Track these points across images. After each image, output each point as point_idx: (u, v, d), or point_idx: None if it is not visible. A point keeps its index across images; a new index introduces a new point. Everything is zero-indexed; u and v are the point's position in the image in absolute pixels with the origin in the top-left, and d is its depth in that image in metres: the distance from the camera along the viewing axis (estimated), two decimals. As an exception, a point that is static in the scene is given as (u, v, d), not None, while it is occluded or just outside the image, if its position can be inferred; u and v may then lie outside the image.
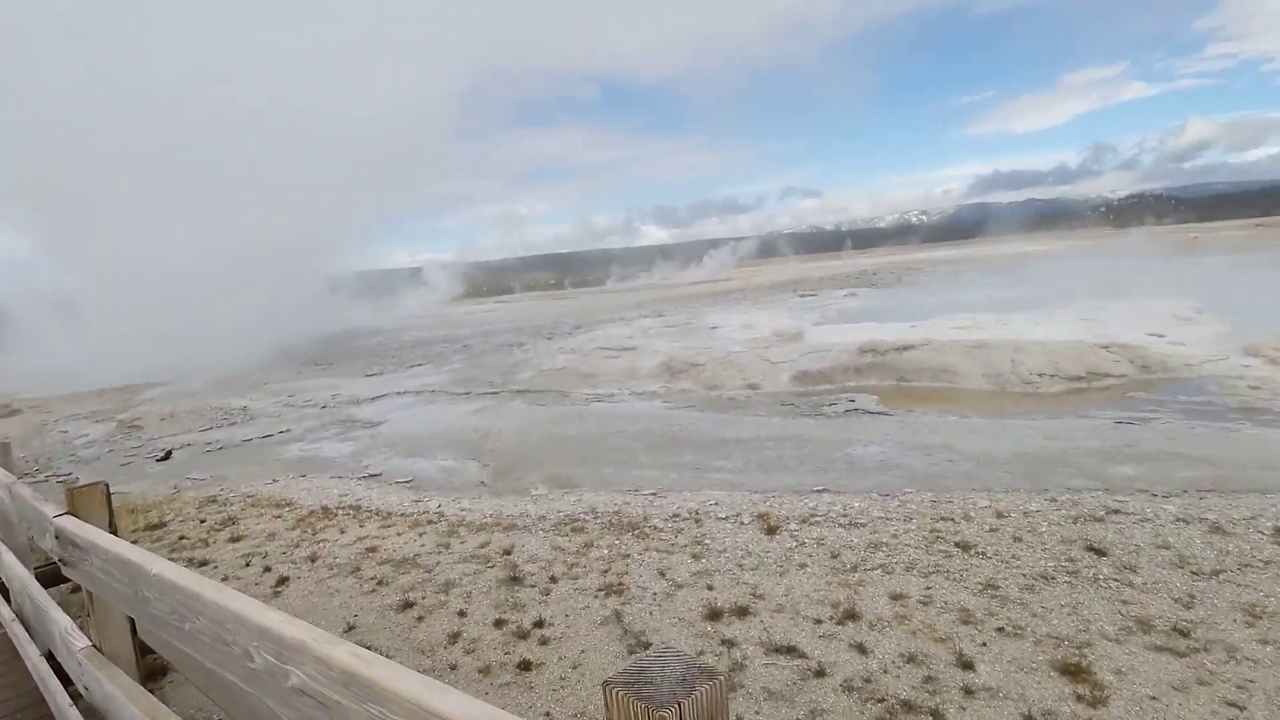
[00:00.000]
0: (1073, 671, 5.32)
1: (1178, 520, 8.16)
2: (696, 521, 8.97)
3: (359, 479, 12.87)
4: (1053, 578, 7.00)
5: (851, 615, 6.43)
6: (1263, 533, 7.70)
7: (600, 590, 7.25)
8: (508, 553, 8.42)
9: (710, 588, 7.15)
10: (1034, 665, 5.47)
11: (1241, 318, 21.29)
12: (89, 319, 45.18)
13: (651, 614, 6.74)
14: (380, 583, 7.80)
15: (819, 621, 6.39)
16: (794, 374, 17.80)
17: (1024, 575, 7.06)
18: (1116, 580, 6.88)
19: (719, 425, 14.64)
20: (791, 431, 13.78)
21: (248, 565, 8.64)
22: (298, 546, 9.19)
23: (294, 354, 35.45)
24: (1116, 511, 8.50)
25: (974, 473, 10.88)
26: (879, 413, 14.72)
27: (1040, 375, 16.28)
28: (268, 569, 8.45)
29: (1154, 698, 5.00)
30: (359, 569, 8.27)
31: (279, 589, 7.89)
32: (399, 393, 21.50)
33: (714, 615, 6.59)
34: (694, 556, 7.93)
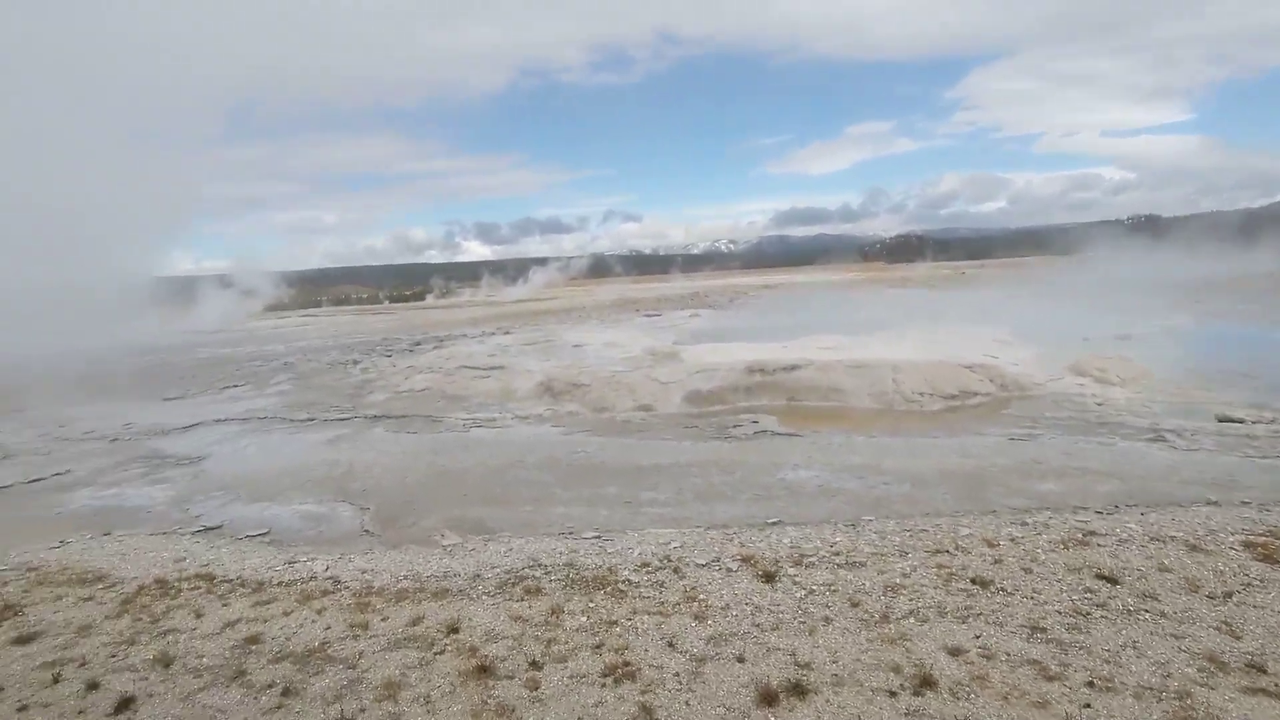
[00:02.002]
0: (1212, 734, 4.66)
1: (1152, 539, 8.10)
2: (676, 571, 7.58)
3: (192, 534, 9.95)
4: (1088, 613, 6.47)
5: (926, 682, 5.41)
6: (1234, 548, 7.78)
7: (605, 676, 5.64)
8: (454, 630, 6.49)
9: (741, 659, 5.81)
10: (1167, 730, 4.74)
11: (1043, 341, 23.66)
12: None
13: (689, 704, 5.26)
14: (286, 692, 5.58)
15: (894, 694, 5.30)
16: (685, 394, 16.91)
17: (1059, 612, 6.48)
18: (1147, 611, 6.49)
19: (628, 451, 13.29)
20: (709, 456, 12.77)
21: (57, 681, 5.93)
22: (132, 643, 6.55)
23: (47, 376, 28.82)
24: (1093, 533, 8.32)
25: (915, 495, 10.48)
26: (788, 434, 14.15)
27: (921, 394, 16.70)
28: (93, 685, 5.82)
29: (1312, 759, 4.43)
30: (244, 672, 5.94)
31: (121, 718, 5.38)
32: (219, 420, 17.75)
33: (768, 699, 5.26)
34: (697, 618, 6.54)
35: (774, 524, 9.30)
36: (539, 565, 7.95)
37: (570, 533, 9.23)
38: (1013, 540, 8.17)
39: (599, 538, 8.88)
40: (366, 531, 9.96)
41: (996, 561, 7.57)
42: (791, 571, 7.43)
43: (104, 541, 9.74)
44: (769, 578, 7.29)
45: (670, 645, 6.07)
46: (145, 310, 58.54)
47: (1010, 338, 25.09)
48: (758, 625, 6.37)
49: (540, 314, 48.48)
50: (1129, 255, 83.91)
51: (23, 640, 6.68)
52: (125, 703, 5.52)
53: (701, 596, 6.95)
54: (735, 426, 14.74)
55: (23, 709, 5.55)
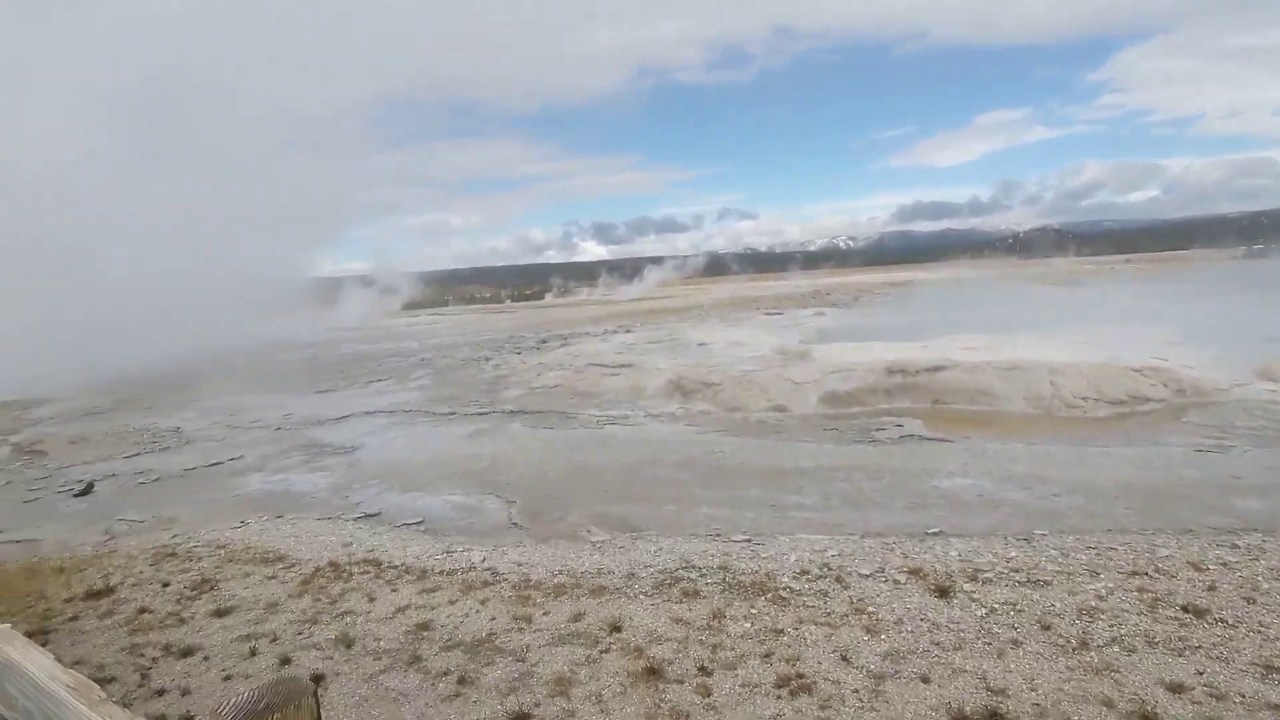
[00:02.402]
0: None
1: (1407, 573, 6.97)
2: (839, 581, 7.21)
3: (354, 520, 10.50)
4: (1334, 654, 5.61)
5: (1148, 721, 4.82)
6: None
7: (779, 687, 5.39)
8: (616, 628, 6.42)
9: (925, 679, 5.40)
10: None
11: (1219, 342, 21.24)
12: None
13: (875, 726, 4.93)
14: (462, 681, 5.68)
15: (1111, 732, 4.75)
16: (821, 395, 16.35)
17: (1297, 652, 5.65)
18: None
19: (767, 453, 12.96)
20: (853, 460, 12.24)
21: (254, 654, 6.31)
22: (315, 623, 6.91)
23: (213, 367, 31.68)
24: (1325, 561, 7.27)
25: (1092, 509, 9.56)
26: (937, 439, 13.36)
27: (1084, 399, 15.38)
28: (286, 660, 6.16)
29: None
30: (419, 658, 6.11)
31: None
32: (367, 412, 18.84)
33: (964, 726, 4.85)
34: (869, 631, 6.17)
35: (935, 534, 8.72)
36: (692, 567, 7.79)
37: (718, 534, 9.02)
38: (1224, 565, 7.25)
39: (749, 541, 8.62)
40: (514, 524, 10.15)
41: (1210, 588, 6.72)
42: (967, 587, 6.90)
43: (278, 523, 10.44)
44: (943, 593, 6.79)
45: (844, 659, 5.74)
46: (295, 308, 63.55)
47: (1178, 338, 22.78)
48: (937, 644, 5.92)
49: (658, 312, 48.66)
50: (1313, 247, 74.46)
51: (220, 613, 7.20)
52: (316, 680, 5.79)
53: (870, 609, 6.56)
54: (878, 430, 14.08)
55: (227, 678, 5.94)
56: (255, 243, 70.24)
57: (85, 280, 41.75)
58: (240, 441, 16.40)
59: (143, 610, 7.38)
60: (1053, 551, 7.81)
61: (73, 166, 53.69)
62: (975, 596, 6.71)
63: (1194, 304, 34.76)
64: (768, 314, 39.27)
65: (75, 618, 7.29)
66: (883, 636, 6.08)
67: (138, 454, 15.91)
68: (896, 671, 5.54)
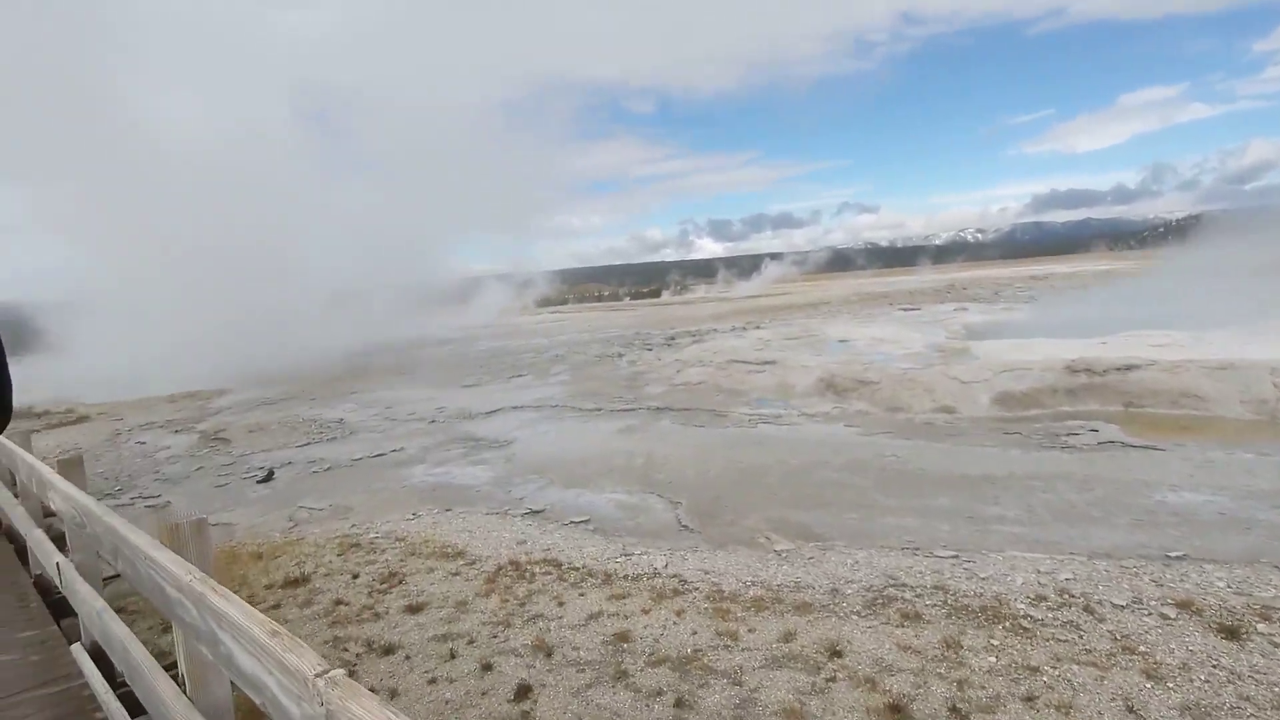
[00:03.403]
0: None
1: None
2: (1089, 611, 6.26)
3: (521, 516, 10.36)
4: None
5: None
6: None
7: (1056, 740, 4.59)
8: (836, 653, 5.79)
9: (1247, 746, 4.45)
10: None
11: None
12: (130, 320, 41.30)
13: (1200, 800, 4.05)
14: (679, 704, 5.22)
15: None
16: (994, 395, 15.00)
17: None
18: None
19: (945, 457, 11.90)
20: (1050, 468, 11.00)
21: (453, 657, 6.12)
22: (508, 625, 6.68)
23: (365, 362, 33.37)
24: None
25: (1376, 536, 8.00)
26: (1144, 446, 11.85)
27: (1319, 403, 13.26)
28: (487, 666, 5.92)
29: None
30: (624, 672, 5.71)
31: (522, 706, 5.35)
32: (515, 407, 19.04)
33: (1325, 812, 3.89)
34: (1149, 676, 5.23)
35: (1179, 558, 7.52)
36: (902, 585, 7.04)
37: (916, 548, 8.18)
38: None
39: (957, 557, 7.74)
40: (684, 527, 9.68)
41: None
42: (1262, 628, 5.77)
43: (448, 517, 10.47)
44: (1231, 634, 5.71)
45: (1130, 710, 4.85)
46: (435, 306, 66.95)
47: None
48: (1247, 699, 4.92)
49: (783, 309, 47.29)
50: None
51: (413, 610, 7.11)
52: (523, 690, 5.50)
53: (1142, 649, 5.59)
54: (1069, 435, 12.66)
55: (431, 681, 5.76)
56: (411, 244, 75.33)
57: (265, 282, 45.57)
58: (399, 434, 16.90)
59: (339, 602, 7.43)
60: (1355, 588, 6.50)
61: (255, 178, 58.66)
62: (1278, 641, 5.60)
63: None
64: (903, 310, 37.21)
65: (278, 605, 7.42)
66: (1170, 685, 5.13)
67: (308, 443, 16.70)
68: (1204, 732, 4.61)
